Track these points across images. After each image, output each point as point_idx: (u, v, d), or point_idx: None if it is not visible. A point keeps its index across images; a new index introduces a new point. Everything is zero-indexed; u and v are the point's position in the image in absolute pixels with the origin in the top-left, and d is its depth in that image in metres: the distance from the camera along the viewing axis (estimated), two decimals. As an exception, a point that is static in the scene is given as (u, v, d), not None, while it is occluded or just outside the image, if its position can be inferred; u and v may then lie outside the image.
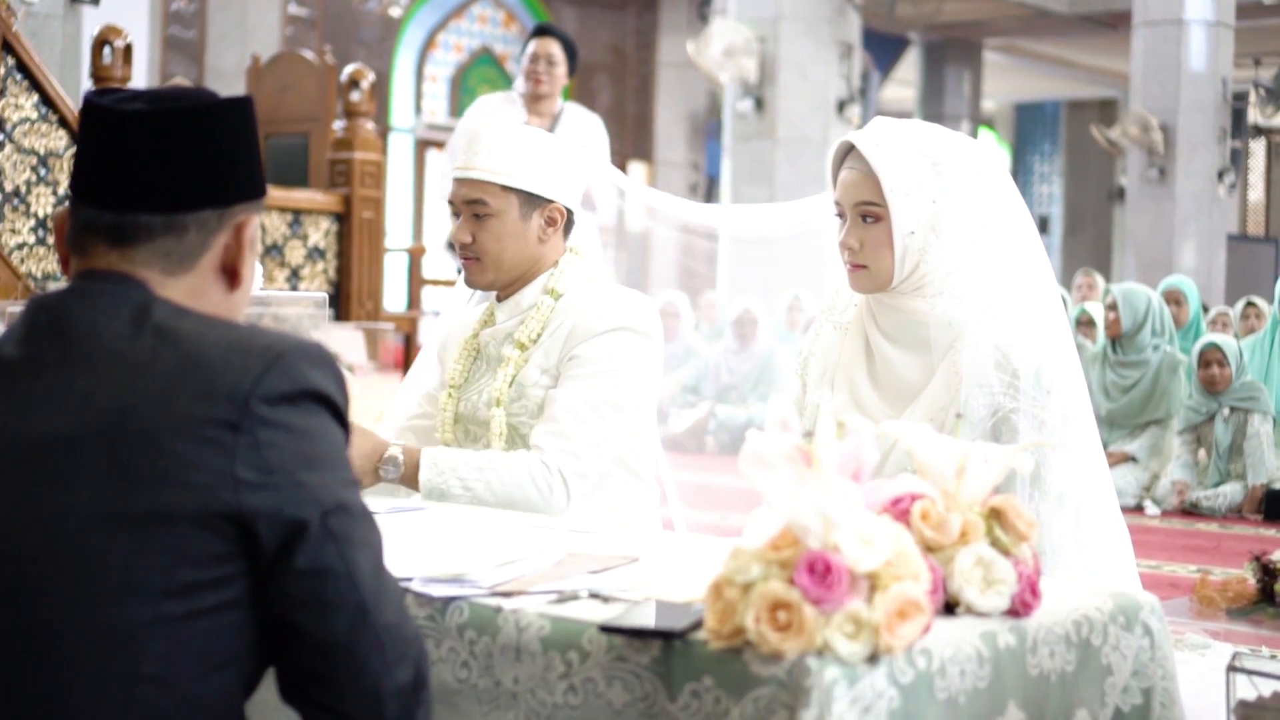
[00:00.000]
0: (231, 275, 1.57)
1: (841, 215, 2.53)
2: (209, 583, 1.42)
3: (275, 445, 1.43)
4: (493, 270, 2.84)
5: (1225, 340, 6.98)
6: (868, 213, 2.47)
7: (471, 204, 2.81)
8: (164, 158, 1.51)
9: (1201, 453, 7.06)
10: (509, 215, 2.80)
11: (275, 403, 1.44)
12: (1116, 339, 7.44)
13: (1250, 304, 8.79)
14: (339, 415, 1.51)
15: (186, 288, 1.53)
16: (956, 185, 2.46)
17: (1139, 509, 7.02)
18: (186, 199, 1.52)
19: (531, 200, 2.81)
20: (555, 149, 2.86)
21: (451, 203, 2.85)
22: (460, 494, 2.64)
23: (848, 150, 2.52)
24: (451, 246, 3.52)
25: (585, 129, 6.18)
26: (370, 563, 1.48)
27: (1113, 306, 7.44)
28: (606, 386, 2.73)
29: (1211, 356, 6.87)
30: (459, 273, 3.03)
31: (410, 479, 2.67)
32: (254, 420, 1.42)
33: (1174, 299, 7.99)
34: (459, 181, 2.83)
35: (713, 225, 3.24)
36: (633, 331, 2.77)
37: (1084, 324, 8.22)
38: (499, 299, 2.91)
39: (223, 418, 1.41)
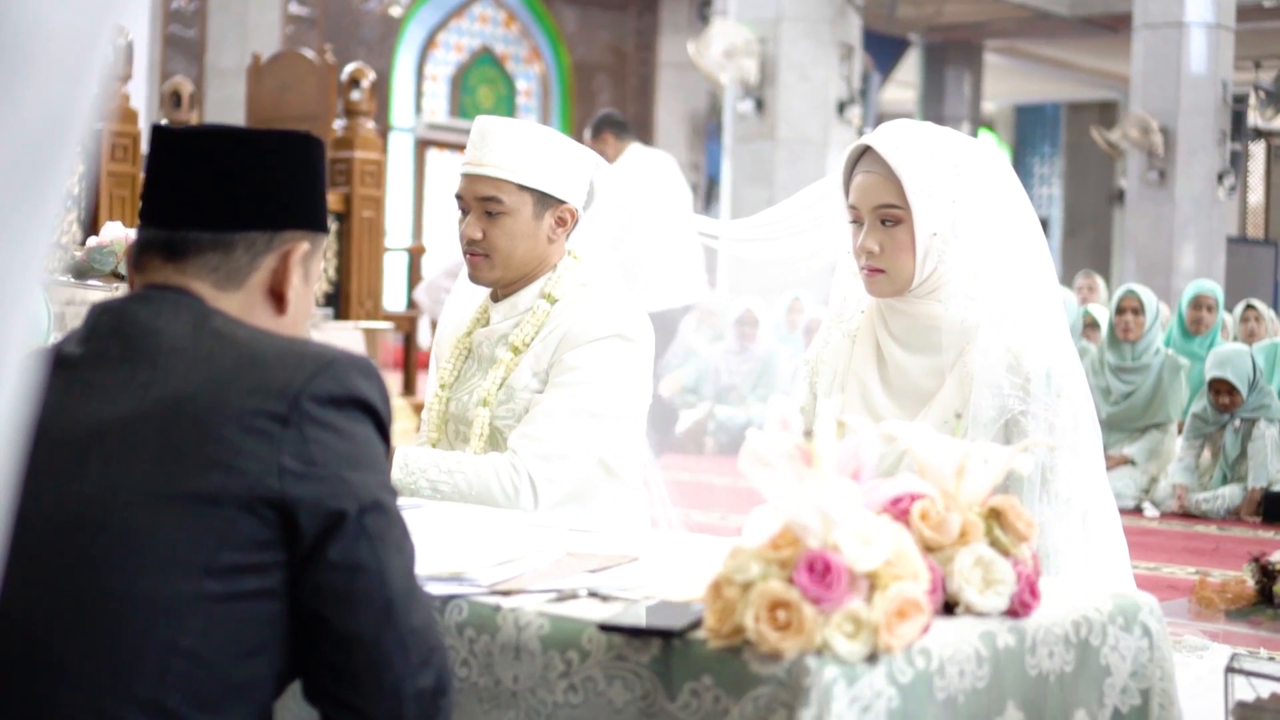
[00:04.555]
0: (278, 299, 1.64)
1: (857, 220, 2.48)
2: (250, 567, 1.47)
3: (320, 442, 1.49)
4: (501, 268, 2.81)
5: (1238, 370, 6.77)
6: (888, 215, 2.43)
7: (485, 200, 2.77)
8: (214, 178, 1.62)
9: (1206, 454, 7.00)
10: (522, 214, 2.78)
11: (324, 404, 1.50)
12: (1126, 343, 7.33)
13: (1250, 306, 8.76)
14: (382, 428, 1.57)
15: (237, 304, 1.61)
16: (975, 186, 2.44)
17: (1137, 511, 7.01)
18: (234, 218, 1.62)
19: (545, 200, 2.79)
20: (568, 149, 2.83)
21: (460, 197, 2.82)
22: (429, 495, 2.65)
23: (860, 154, 2.48)
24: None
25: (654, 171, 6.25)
26: (402, 566, 1.53)
27: (1136, 310, 7.33)
28: (589, 395, 2.72)
29: (1222, 388, 6.74)
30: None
31: None
32: (302, 417, 1.49)
33: (1205, 304, 7.84)
34: (471, 178, 2.79)
35: (712, 233, 3.20)
36: (623, 339, 2.76)
37: (1088, 326, 8.12)
38: (494, 299, 2.88)
39: (273, 411, 1.48)
